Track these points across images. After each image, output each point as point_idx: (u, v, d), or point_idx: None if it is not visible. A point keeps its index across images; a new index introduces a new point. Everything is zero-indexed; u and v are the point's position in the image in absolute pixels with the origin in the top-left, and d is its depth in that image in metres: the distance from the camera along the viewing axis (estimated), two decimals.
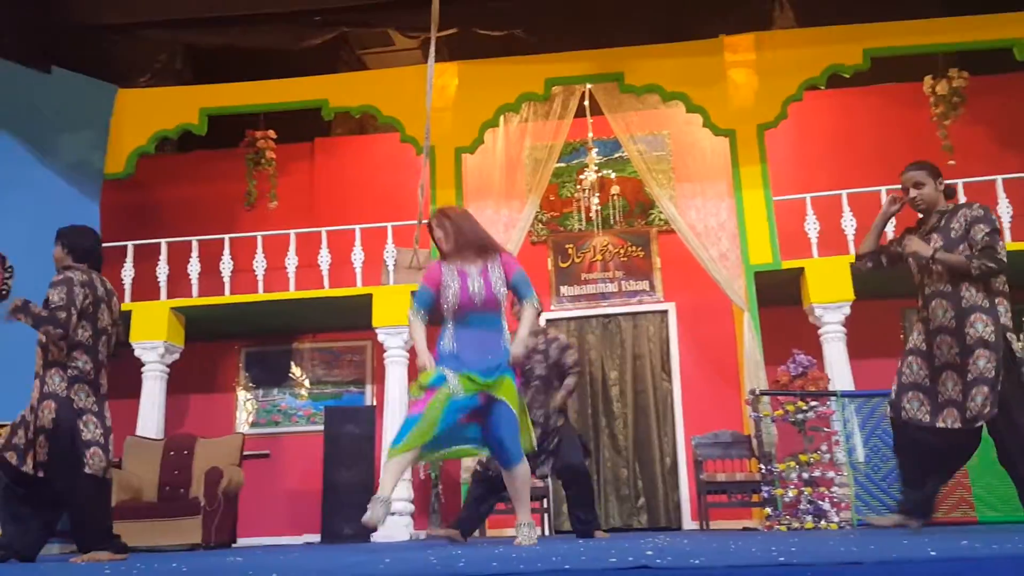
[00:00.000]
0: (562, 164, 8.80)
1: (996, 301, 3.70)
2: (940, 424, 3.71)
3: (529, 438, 3.80)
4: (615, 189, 8.68)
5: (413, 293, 3.84)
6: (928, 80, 8.05)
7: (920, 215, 4.00)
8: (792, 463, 6.17)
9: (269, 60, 8.39)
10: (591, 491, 5.45)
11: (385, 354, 7.80)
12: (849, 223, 7.51)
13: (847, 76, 7.65)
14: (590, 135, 8.57)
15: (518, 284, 3.80)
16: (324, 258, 8.10)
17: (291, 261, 8.09)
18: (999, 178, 7.44)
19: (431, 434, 3.48)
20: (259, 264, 8.13)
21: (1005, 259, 3.68)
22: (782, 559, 1.83)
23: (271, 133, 8.63)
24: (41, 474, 3.90)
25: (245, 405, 8.99)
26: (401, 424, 3.56)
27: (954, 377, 3.71)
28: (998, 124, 8.38)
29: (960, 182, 7.47)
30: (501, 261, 3.80)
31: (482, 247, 3.81)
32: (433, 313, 3.81)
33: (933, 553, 1.86)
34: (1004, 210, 7.35)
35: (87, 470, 3.83)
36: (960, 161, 7.80)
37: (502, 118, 8.08)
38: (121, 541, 3.97)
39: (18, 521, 3.97)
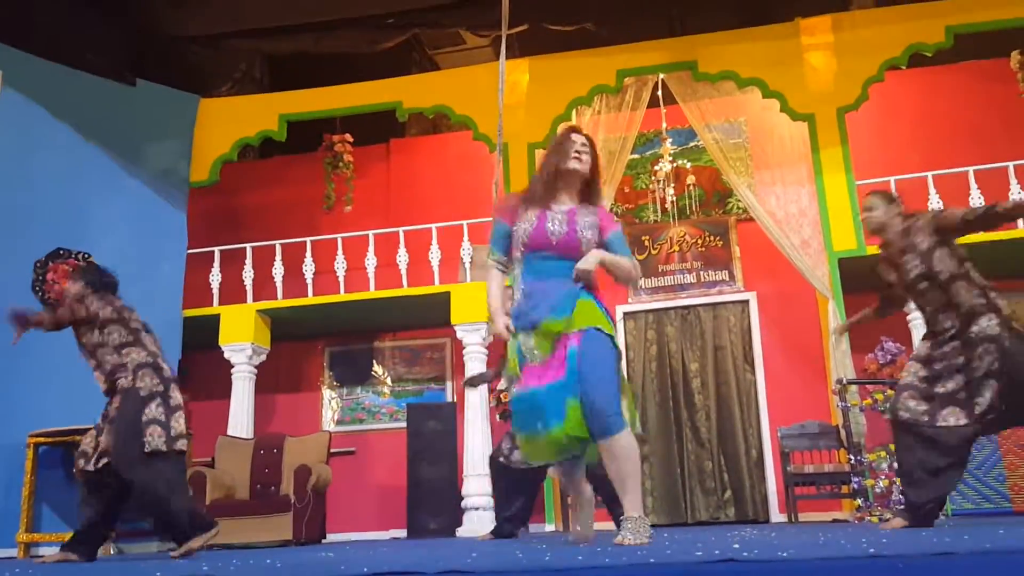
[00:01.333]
0: (636, 155, 8.73)
1: (991, 296, 3.75)
2: (941, 423, 3.71)
3: (632, 406, 3.04)
4: (691, 179, 8.57)
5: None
6: (1015, 55, 7.70)
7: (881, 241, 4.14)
8: (882, 453, 6.00)
9: (344, 64, 8.59)
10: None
11: (464, 350, 7.88)
12: (936, 205, 7.24)
13: (929, 55, 7.38)
14: (664, 125, 8.48)
15: (613, 242, 3.15)
16: (402, 257, 8.24)
17: (370, 261, 8.25)
18: None
19: (555, 450, 2.98)
20: (340, 265, 8.32)
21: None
22: (872, 551, 1.79)
23: (348, 137, 8.81)
24: (102, 463, 4.11)
25: (330, 403, 9.21)
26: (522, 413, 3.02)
27: (957, 378, 3.73)
28: None
29: None
30: (600, 213, 3.22)
31: (587, 189, 3.25)
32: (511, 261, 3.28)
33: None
34: None
35: (146, 449, 4.04)
36: None
37: (574, 111, 8.07)
38: (208, 518, 4.15)
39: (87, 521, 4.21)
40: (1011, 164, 7.22)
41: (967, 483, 6.33)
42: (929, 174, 7.38)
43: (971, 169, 7.26)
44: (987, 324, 3.70)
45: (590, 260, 3.04)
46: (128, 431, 4.08)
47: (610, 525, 6.53)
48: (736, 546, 2.24)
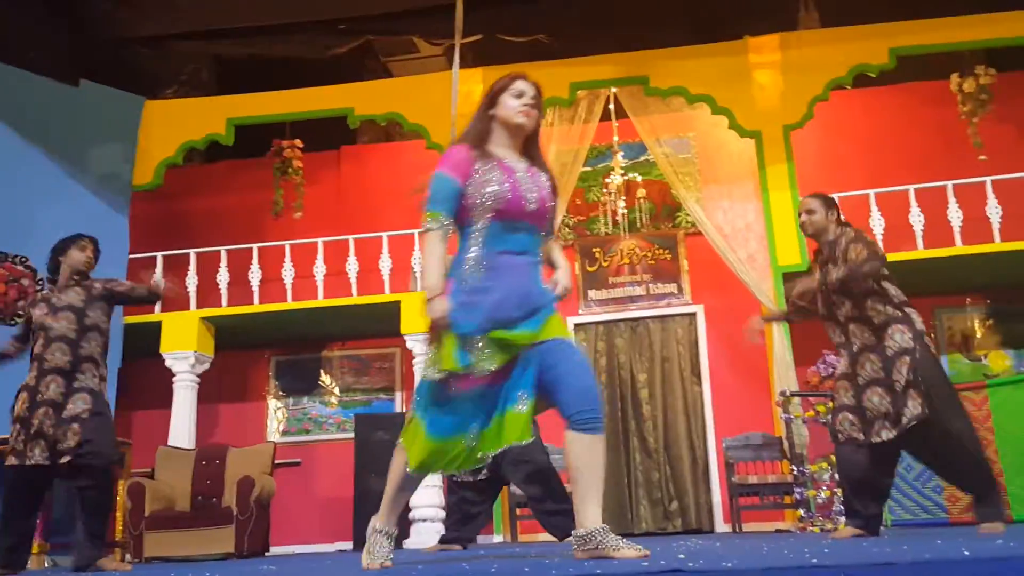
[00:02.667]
0: (588, 168, 8.79)
1: (907, 311, 3.83)
2: (875, 439, 3.79)
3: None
4: (641, 192, 8.66)
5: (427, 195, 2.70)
6: (955, 78, 7.96)
7: (817, 244, 4.16)
8: (824, 464, 6.10)
9: (295, 69, 8.49)
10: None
11: (414, 360, 7.84)
12: (878, 223, 7.44)
13: (873, 75, 7.58)
14: (615, 138, 8.56)
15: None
16: (352, 266, 8.16)
17: (319, 269, 8.16)
18: None
19: (455, 460, 2.66)
20: (287, 273, 8.21)
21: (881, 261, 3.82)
22: (815, 561, 1.82)
23: (297, 142, 8.72)
24: (63, 460, 3.96)
25: (276, 414, 9.06)
26: (425, 422, 2.63)
27: (880, 392, 3.79)
28: None
29: (988, 179, 7.39)
30: (551, 179, 2.79)
31: (530, 146, 2.81)
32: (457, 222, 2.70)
33: (967, 553, 1.84)
34: None
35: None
36: (989, 158, 7.71)
37: None
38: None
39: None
40: (950, 183, 7.45)
41: (906, 494, 6.47)
42: (871, 192, 7.56)
43: (912, 187, 7.47)
44: (900, 338, 3.77)
45: (567, 282, 2.75)
46: (111, 430, 4.09)
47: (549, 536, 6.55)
48: (681, 556, 2.25)
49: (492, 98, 2.77)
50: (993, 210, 7.32)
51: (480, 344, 2.53)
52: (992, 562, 1.60)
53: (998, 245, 7.19)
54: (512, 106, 2.71)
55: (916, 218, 7.36)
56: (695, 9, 7.68)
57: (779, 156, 7.55)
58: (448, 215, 2.64)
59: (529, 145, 2.79)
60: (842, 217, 4.19)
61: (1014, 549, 1.96)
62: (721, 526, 7.87)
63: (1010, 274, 7.55)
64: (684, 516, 8.08)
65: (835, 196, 7.51)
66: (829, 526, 6.06)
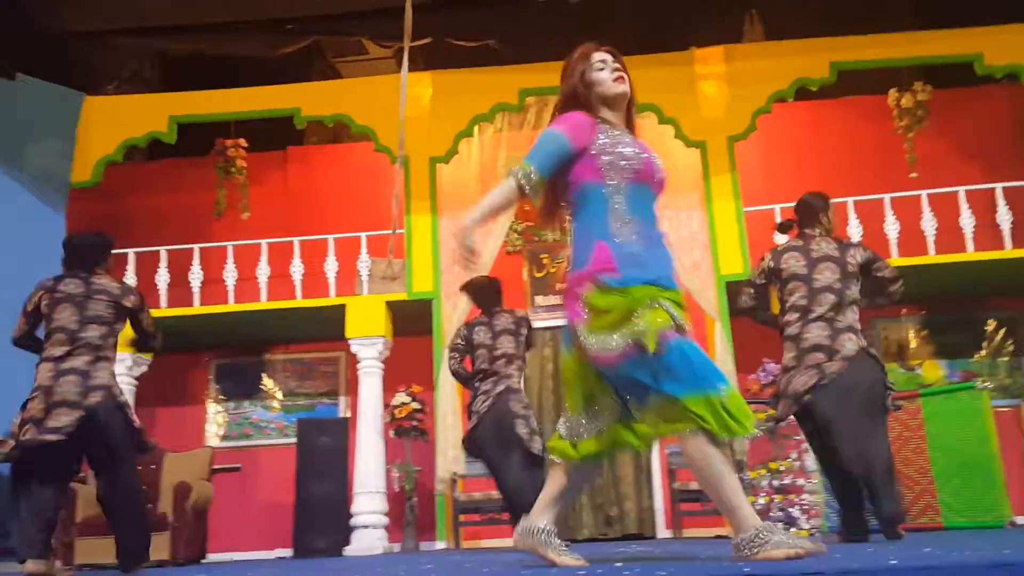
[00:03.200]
0: None
1: (860, 326, 4.05)
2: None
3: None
4: None
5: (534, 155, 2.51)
6: (893, 93, 8.19)
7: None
8: (763, 471, 6.20)
9: (241, 68, 8.34)
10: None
11: (358, 365, 7.76)
12: None
13: (814, 89, 7.74)
14: None
15: None
16: (297, 268, 8.06)
17: (262, 271, 8.03)
18: (961, 189, 7.60)
19: None
20: (230, 274, 8.06)
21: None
22: (747, 570, 1.84)
23: (242, 141, 8.58)
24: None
25: (215, 418, 8.89)
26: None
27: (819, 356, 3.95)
28: (960, 137, 8.52)
29: (924, 193, 7.62)
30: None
31: (633, 114, 2.71)
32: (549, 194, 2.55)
33: (894, 562, 1.88)
34: (967, 221, 7.50)
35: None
36: (924, 173, 7.95)
37: (477, 128, 8.09)
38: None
39: None
40: (887, 196, 7.66)
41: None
42: None
43: (850, 200, 7.65)
44: (851, 347, 3.93)
45: None
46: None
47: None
48: (618, 565, 2.26)
49: (580, 79, 2.64)
50: (928, 223, 7.54)
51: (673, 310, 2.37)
52: (915, 571, 1.64)
53: (933, 257, 7.40)
54: (604, 78, 2.59)
55: (855, 230, 7.53)
56: (642, 19, 7.76)
57: (723, 167, 7.67)
58: (540, 174, 2.49)
59: (629, 115, 2.68)
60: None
61: (941, 557, 2.01)
62: (663, 532, 7.95)
63: (944, 286, 7.78)
64: (626, 522, 8.13)
65: (776, 208, 7.69)
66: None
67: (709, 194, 7.69)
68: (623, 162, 2.48)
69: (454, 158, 7.98)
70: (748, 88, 7.67)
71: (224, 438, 8.80)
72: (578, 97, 2.62)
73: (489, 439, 4.98)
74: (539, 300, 8.78)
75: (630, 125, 2.66)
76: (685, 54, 7.84)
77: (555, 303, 8.75)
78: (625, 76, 2.61)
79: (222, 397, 8.93)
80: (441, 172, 8.04)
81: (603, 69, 2.60)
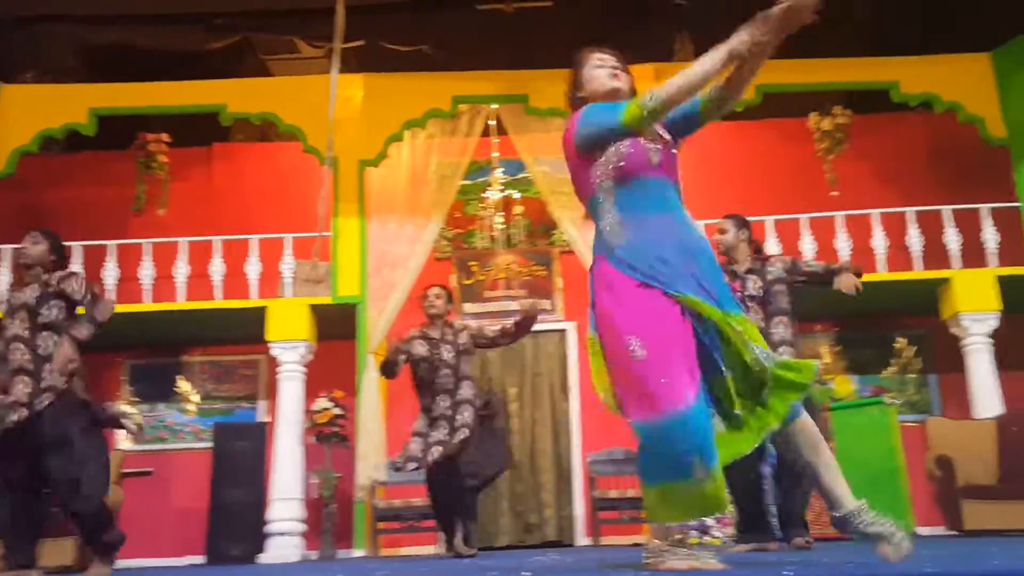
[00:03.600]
0: (468, 181, 8.80)
1: (797, 338, 4.37)
2: None
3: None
4: (519, 209, 8.75)
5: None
6: (814, 116, 8.47)
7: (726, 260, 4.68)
8: None
9: (167, 61, 8.14)
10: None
11: (279, 369, 7.61)
12: None
13: (739, 110, 7.93)
14: (495, 154, 8.62)
15: None
16: (217, 268, 7.87)
17: (181, 270, 7.82)
18: (876, 212, 7.89)
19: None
20: (146, 272, 7.83)
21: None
22: None
23: (164, 136, 8.37)
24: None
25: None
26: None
27: None
28: (877, 161, 8.86)
29: (841, 214, 7.89)
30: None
31: None
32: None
33: (788, 574, 1.94)
34: (880, 242, 7.79)
35: None
36: (842, 194, 8.24)
37: (408, 133, 8.05)
38: None
39: None
40: (804, 216, 7.92)
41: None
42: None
43: (771, 219, 7.87)
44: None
45: None
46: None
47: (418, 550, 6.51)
48: (526, 574, 2.27)
49: (576, 81, 2.70)
50: (843, 243, 7.81)
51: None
52: None
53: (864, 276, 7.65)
54: (600, 74, 2.65)
55: (774, 248, 7.75)
56: (576, 34, 7.84)
57: None
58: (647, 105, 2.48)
59: None
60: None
61: (829, 567, 2.08)
62: (582, 539, 8.01)
63: (857, 304, 8.02)
64: (546, 529, 8.17)
65: (702, 224, 7.85)
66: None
67: None
68: (609, 158, 2.48)
69: (384, 162, 7.92)
70: None
71: (137, 441, 8.53)
72: (577, 95, 2.69)
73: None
74: (467, 307, 8.77)
75: None
76: None
77: (483, 311, 8.75)
78: (623, 75, 2.66)
79: (136, 399, 8.65)
80: (370, 175, 7.97)
81: (601, 67, 2.67)
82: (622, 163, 2.47)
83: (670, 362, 2.27)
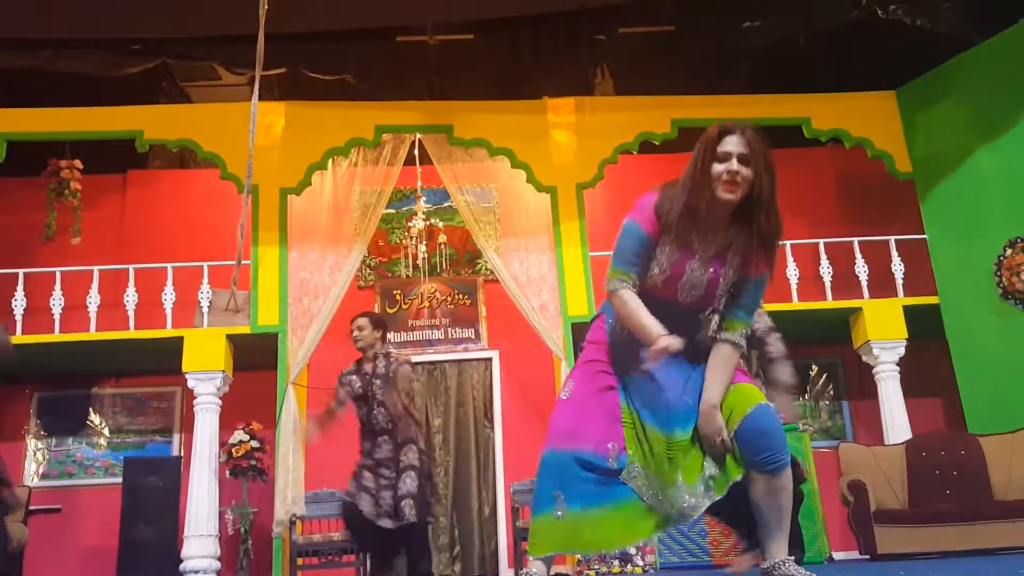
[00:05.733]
0: (391, 210, 8.79)
1: None
2: None
3: None
4: (443, 238, 8.75)
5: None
6: None
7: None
8: None
9: (81, 86, 7.92)
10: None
11: (195, 401, 7.42)
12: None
13: (657, 143, 8.11)
14: (419, 183, 8.62)
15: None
16: (131, 297, 7.66)
17: (93, 299, 7.59)
18: (788, 243, 8.13)
19: None
20: (56, 302, 7.57)
21: None
22: None
23: (77, 163, 8.12)
24: None
25: (35, 455, 8.27)
26: None
27: None
28: (790, 193, 9.04)
29: None
30: None
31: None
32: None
33: None
34: (792, 273, 8.03)
35: None
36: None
37: (331, 161, 8.00)
38: None
39: None
40: None
41: (674, 538, 6.85)
42: None
43: None
44: None
45: None
46: None
47: None
48: None
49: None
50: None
51: None
52: None
53: (762, 306, 7.84)
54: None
55: None
56: (498, 66, 7.95)
57: (572, 213, 7.90)
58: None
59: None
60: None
61: None
62: (505, 571, 7.97)
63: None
64: (468, 561, 8.11)
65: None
66: (604, 569, 6.31)
67: (559, 238, 7.89)
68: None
69: (306, 190, 7.85)
70: (596, 139, 7.97)
71: (44, 476, 8.21)
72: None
73: None
74: (390, 336, 8.64)
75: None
76: (538, 103, 8.06)
77: (407, 340, 8.70)
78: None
79: (43, 433, 8.33)
80: (292, 203, 7.89)
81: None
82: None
83: (585, 413, 2.55)
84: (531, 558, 2.48)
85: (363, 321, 5.14)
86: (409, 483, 4.95)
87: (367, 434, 5.05)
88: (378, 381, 5.02)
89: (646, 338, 2.45)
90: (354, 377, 5.09)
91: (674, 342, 2.37)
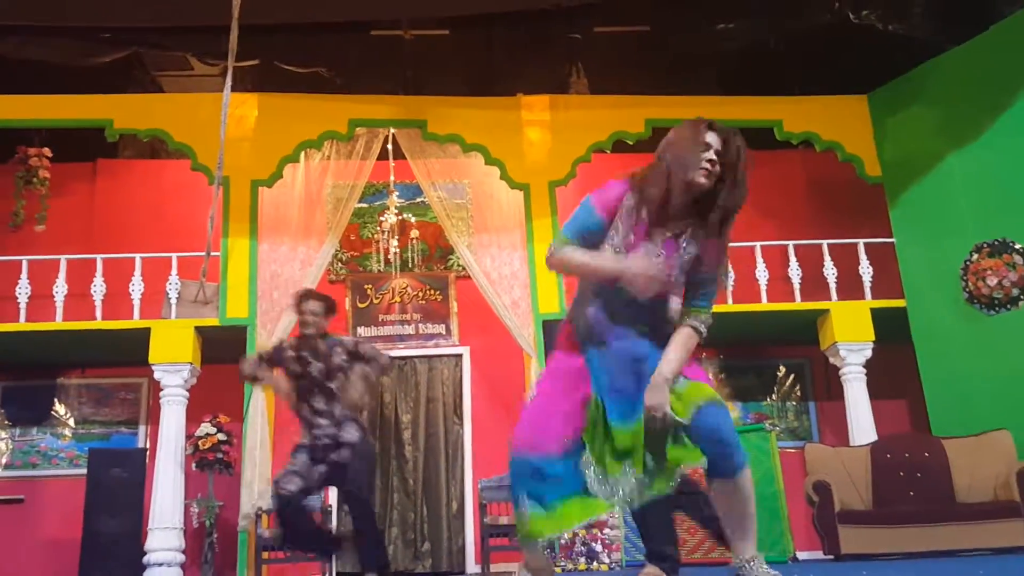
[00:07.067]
0: (364, 204, 8.76)
1: None
2: None
3: None
4: (415, 233, 8.73)
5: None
6: None
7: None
8: None
9: (52, 74, 7.82)
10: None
11: (162, 393, 7.37)
12: None
13: (631, 143, 8.14)
14: (392, 178, 8.60)
15: None
16: (99, 287, 7.59)
17: (60, 289, 7.51)
18: (757, 244, 8.20)
19: None
20: (22, 291, 7.49)
21: None
22: None
23: (46, 151, 8.04)
24: None
25: None
26: None
27: None
28: (760, 195, 9.04)
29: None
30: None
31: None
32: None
33: None
34: (762, 274, 8.09)
35: None
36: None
37: (303, 154, 7.96)
38: None
39: None
40: None
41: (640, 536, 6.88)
42: None
43: None
44: None
45: None
46: None
47: None
48: None
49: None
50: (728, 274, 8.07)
51: None
52: None
53: (731, 306, 7.86)
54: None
55: None
56: (474, 62, 7.94)
57: (544, 210, 7.91)
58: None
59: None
60: None
61: None
62: (472, 566, 7.98)
63: (741, 333, 8.32)
64: (436, 557, 8.11)
65: None
66: (571, 566, 6.34)
67: (531, 235, 7.90)
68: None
69: (278, 182, 7.81)
70: (569, 137, 7.98)
71: (7, 467, 8.12)
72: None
73: None
74: (361, 331, 8.68)
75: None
76: (512, 100, 8.07)
77: (377, 335, 8.68)
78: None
79: (7, 423, 8.24)
80: (264, 195, 7.84)
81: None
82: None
83: (547, 414, 2.63)
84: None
85: (316, 306, 4.87)
86: (352, 430, 4.83)
87: (302, 396, 4.83)
88: (318, 363, 4.82)
89: (612, 275, 2.49)
90: (291, 354, 4.89)
91: (647, 264, 2.44)
